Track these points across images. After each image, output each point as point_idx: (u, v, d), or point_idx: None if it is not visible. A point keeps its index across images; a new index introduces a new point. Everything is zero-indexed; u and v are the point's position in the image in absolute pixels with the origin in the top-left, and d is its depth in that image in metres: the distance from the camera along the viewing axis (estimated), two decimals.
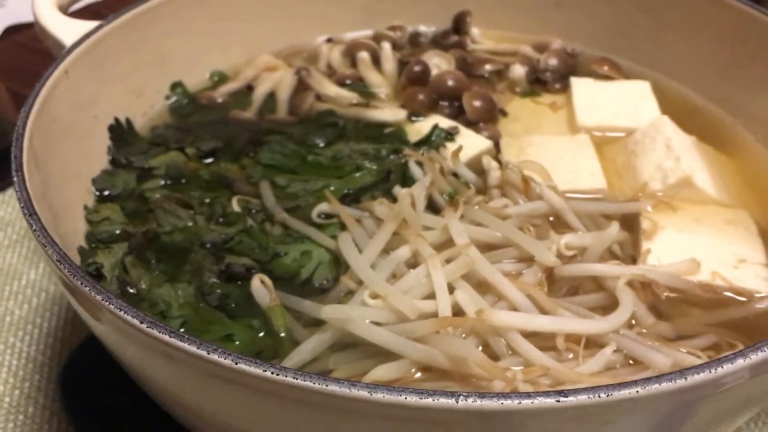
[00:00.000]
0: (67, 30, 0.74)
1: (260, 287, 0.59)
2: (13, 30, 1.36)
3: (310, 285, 0.61)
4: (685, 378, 0.40)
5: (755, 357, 0.42)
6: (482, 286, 0.59)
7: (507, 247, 0.62)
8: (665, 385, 0.40)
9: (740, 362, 0.41)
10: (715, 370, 0.40)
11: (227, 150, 0.75)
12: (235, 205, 0.67)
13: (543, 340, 0.55)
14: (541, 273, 0.60)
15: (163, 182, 0.71)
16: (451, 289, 0.57)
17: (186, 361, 0.43)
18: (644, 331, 0.58)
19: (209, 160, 0.74)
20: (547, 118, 0.83)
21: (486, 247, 0.62)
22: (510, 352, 0.55)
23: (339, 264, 0.62)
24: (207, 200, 0.68)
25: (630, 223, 0.68)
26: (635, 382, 0.39)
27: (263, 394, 0.43)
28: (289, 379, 0.40)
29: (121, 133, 0.75)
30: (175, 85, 0.84)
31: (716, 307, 0.61)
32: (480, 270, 0.59)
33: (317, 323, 0.57)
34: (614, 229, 0.62)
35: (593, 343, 0.56)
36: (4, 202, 0.99)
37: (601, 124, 0.80)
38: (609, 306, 0.59)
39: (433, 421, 0.41)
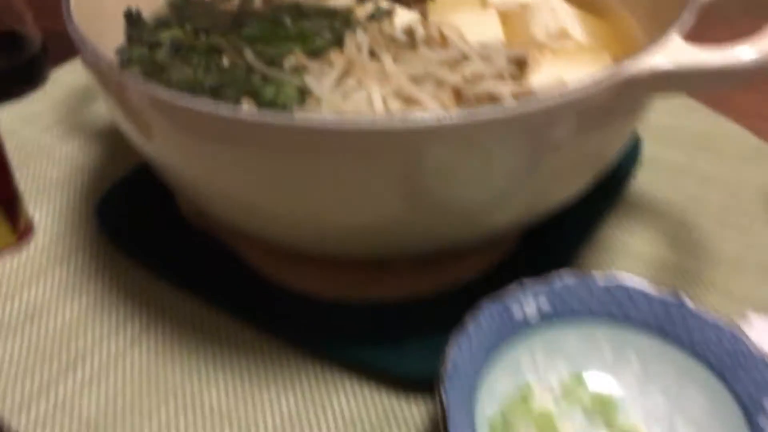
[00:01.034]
0: None
1: (248, 108, 0.81)
2: None
3: (285, 110, 0.83)
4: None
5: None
6: (408, 102, 0.82)
7: (427, 80, 0.85)
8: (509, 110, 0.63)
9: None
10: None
11: (216, 29, 0.96)
12: (226, 62, 0.89)
13: None
14: (451, 92, 0.83)
15: (169, 50, 0.92)
16: (386, 103, 0.81)
17: (207, 122, 0.65)
18: None
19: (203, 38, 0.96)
20: (467, 1, 1.05)
21: (412, 79, 0.85)
22: None
23: (304, 97, 0.84)
24: (203, 61, 0.90)
25: (520, 65, 0.90)
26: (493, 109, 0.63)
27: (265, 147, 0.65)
28: (279, 121, 0.63)
29: (132, 18, 0.96)
30: None
31: None
32: (407, 90, 0.81)
33: None
34: (503, 60, 0.86)
35: None
36: (36, 100, 1.20)
37: (506, 2, 1.02)
38: None
39: (364, 146, 0.64)
